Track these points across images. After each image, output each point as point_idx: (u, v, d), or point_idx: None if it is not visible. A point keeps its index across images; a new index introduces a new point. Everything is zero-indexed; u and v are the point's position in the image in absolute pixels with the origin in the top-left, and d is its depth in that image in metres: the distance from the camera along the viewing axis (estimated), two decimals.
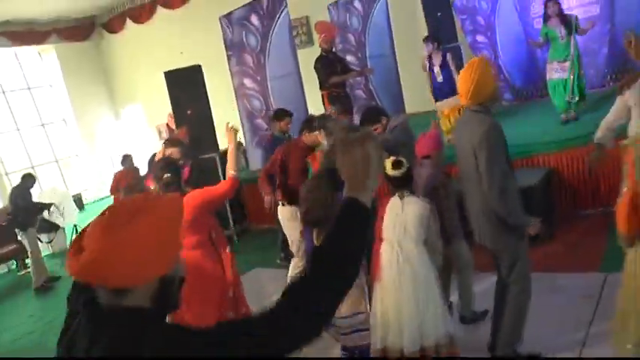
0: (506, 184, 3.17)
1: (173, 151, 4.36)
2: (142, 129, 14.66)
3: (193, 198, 3.38)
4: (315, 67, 7.58)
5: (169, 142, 4.58)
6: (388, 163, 3.38)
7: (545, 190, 5.62)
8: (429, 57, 7.56)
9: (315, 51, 7.93)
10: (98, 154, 14.88)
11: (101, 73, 15.57)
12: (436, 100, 7.55)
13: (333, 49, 7.97)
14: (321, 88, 7.59)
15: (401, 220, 3.32)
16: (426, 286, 3.34)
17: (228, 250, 3.73)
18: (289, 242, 4.74)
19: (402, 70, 9.69)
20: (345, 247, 1.39)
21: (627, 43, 3.27)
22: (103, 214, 1.36)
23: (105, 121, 15.53)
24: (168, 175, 3.46)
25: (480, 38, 10.06)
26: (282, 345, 1.35)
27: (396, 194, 3.42)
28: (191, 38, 12.60)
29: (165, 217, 1.37)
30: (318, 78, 7.60)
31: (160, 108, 10.45)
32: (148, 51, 13.91)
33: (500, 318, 3.40)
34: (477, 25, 10.02)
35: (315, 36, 9.34)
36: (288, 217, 4.77)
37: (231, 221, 7.50)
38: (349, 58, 9.20)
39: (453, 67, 7.37)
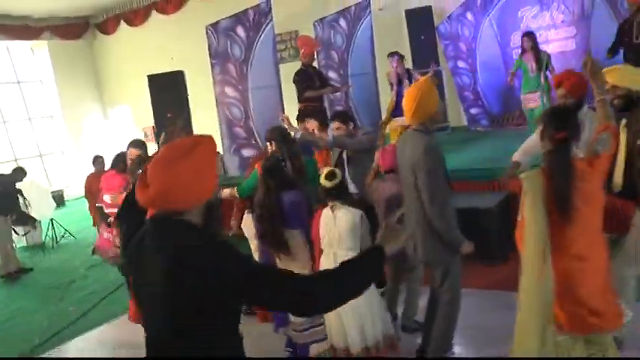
0: (445, 201, 3.38)
1: (135, 152, 4.57)
2: (129, 130, 14.79)
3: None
4: (293, 80, 7.78)
5: (133, 143, 4.76)
6: (323, 173, 3.61)
7: (503, 213, 5.84)
8: (397, 73, 7.85)
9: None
10: (83, 152, 14.95)
11: (92, 73, 15.75)
12: (398, 116, 7.74)
13: (314, 64, 8.20)
14: (299, 100, 7.81)
15: (336, 231, 3.53)
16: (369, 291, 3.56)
17: None
18: (252, 249, 4.89)
19: (381, 90, 9.96)
20: (359, 273, 1.92)
21: (583, 64, 3.50)
22: (159, 154, 1.86)
23: (93, 120, 15.66)
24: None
25: (460, 64, 10.39)
26: (283, 303, 1.88)
27: (328, 205, 3.64)
28: (183, 44, 12.79)
29: (206, 156, 1.83)
30: (297, 91, 7.82)
31: (148, 111, 10.62)
32: (140, 54, 14.10)
33: (430, 326, 3.61)
34: (458, 51, 10.35)
35: None
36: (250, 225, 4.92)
37: None
38: (331, 74, 9.47)
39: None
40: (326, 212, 3.67)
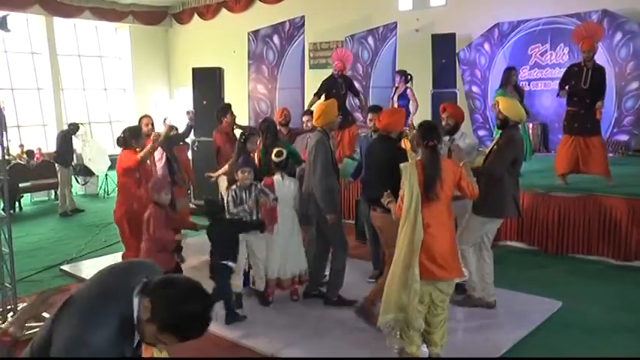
0: (326, 179, 4.86)
1: (147, 121, 6.34)
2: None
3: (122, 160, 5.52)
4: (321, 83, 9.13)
5: (144, 116, 6.49)
6: (273, 152, 5.14)
7: None
8: (396, 87, 9.19)
9: None
10: None
11: (164, 55, 17.83)
12: None
13: (345, 73, 9.44)
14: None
15: (284, 193, 5.09)
16: (297, 236, 5.18)
17: None
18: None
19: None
20: None
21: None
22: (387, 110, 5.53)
23: (159, 97, 17.66)
24: (121, 135, 5.44)
25: (474, 89, 11.60)
26: None
27: (278, 174, 5.17)
28: (244, 40, 14.52)
29: (402, 117, 4.90)
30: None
31: None
32: (207, 44, 15.98)
33: (321, 271, 5.14)
34: (474, 77, 11.57)
35: None
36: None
37: None
38: (355, 84, 10.90)
39: (411, 101, 8.96)
40: (278, 178, 5.17)
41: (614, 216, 6.16)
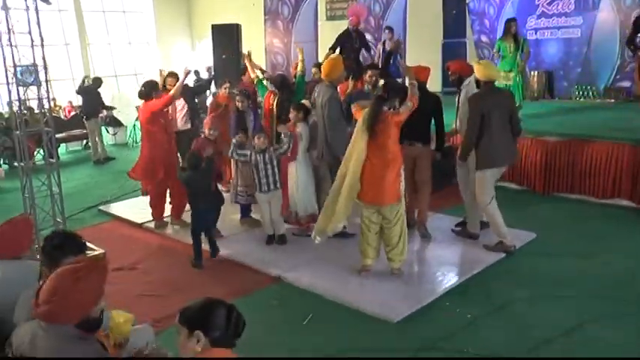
0: (336, 124, 5.56)
1: (171, 81, 6.95)
2: (209, 62, 17.25)
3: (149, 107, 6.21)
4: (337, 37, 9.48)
5: (170, 74, 7.13)
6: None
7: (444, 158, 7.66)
8: (384, 42, 9.59)
9: None
10: None
11: (185, 8, 18.32)
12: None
13: (358, 28, 9.78)
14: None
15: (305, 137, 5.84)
16: (310, 177, 5.94)
17: None
18: None
19: (410, 55, 11.69)
20: None
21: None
22: None
23: (181, 49, 18.24)
24: (142, 88, 6.29)
25: (483, 38, 11.97)
26: None
27: (304, 123, 5.87)
28: None
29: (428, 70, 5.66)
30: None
31: None
32: None
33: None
34: (483, 26, 11.92)
35: None
36: None
37: None
38: (368, 36, 11.33)
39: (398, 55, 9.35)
40: (304, 127, 5.88)
41: (595, 158, 6.73)
